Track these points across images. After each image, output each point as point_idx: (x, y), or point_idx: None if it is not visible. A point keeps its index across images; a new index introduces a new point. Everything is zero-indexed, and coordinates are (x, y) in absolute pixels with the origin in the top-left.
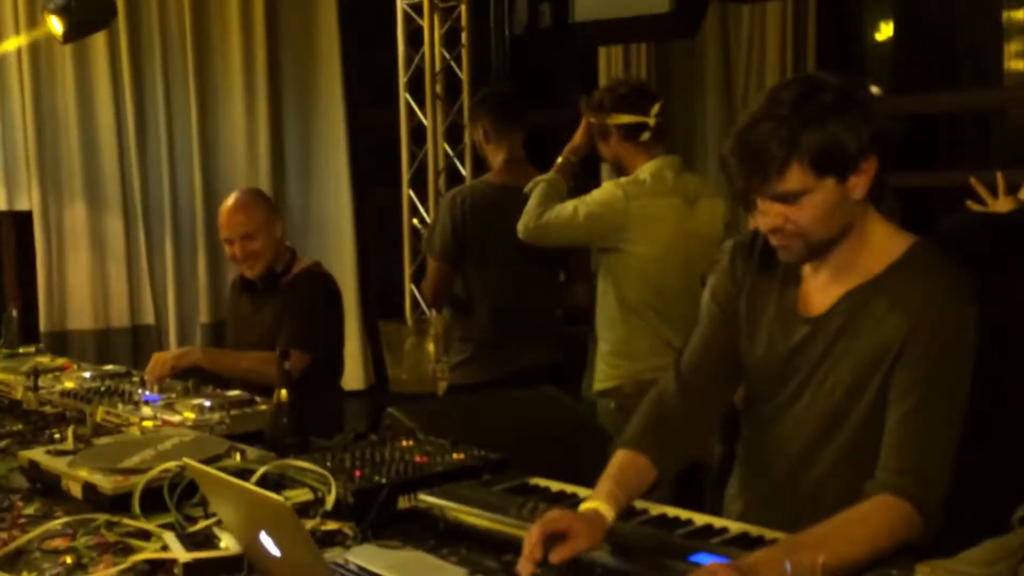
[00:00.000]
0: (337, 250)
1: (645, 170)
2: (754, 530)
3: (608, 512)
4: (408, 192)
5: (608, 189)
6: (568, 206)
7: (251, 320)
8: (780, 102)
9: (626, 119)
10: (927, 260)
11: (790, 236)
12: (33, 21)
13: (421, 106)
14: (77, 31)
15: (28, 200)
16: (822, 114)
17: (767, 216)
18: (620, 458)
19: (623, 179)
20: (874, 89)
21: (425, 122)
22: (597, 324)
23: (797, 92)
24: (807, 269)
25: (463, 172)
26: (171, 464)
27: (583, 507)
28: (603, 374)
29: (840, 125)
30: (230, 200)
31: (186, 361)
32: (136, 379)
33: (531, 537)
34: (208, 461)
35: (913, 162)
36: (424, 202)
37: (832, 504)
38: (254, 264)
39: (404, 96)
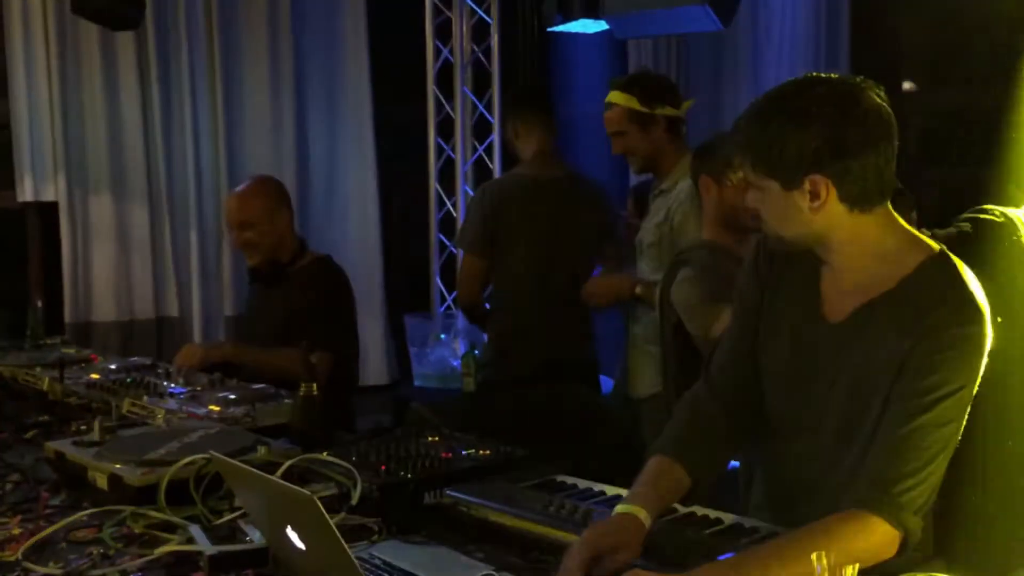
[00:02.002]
0: (363, 244)
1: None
2: (783, 530)
3: (646, 518)
4: (435, 186)
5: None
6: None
7: (260, 312)
8: (765, 97)
9: (670, 111)
10: (939, 276)
11: (764, 222)
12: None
13: (449, 100)
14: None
15: (54, 191)
16: (776, 115)
17: (749, 194)
18: (655, 464)
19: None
20: (907, 85)
21: (453, 116)
22: (644, 328)
23: (777, 87)
24: (825, 271)
25: (491, 166)
26: (197, 456)
27: (619, 509)
28: (656, 380)
29: (781, 131)
30: (237, 188)
31: (217, 354)
32: (161, 371)
33: (572, 559)
34: (233, 454)
35: (951, 158)
36: (451, 196)
37: None
38: (252, 253)
39: (432, 89)
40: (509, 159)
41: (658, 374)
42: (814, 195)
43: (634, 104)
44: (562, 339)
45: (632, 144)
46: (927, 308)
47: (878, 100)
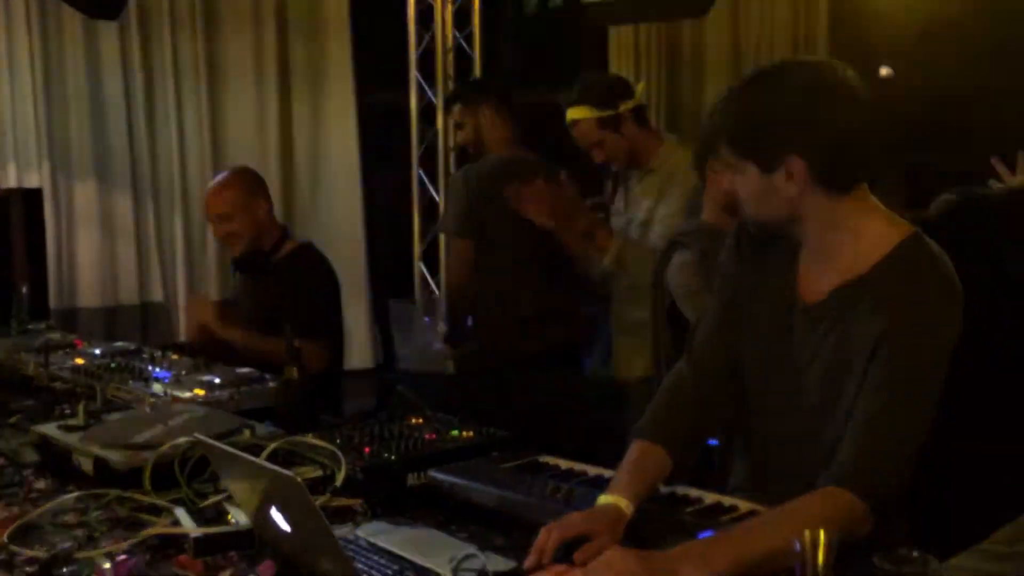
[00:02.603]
0: (346, 228)
1: (679, 147)
2: (764, 510)
3: (627, 507)
4: (418, 171)
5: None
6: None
7: (246, 301)
8: (742, 80)
9: (632, 103)
10: (913, 258)
11: (742, 204)
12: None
13: (431, 85)
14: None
15: (38, 177)
16: (752, 97)
17: (727, 177)
18: (636, 449)
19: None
20: (884, 71)
21: (435, 101)
22: (633, 309)
23: (754, 70)
24: (803, 253)
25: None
26: (182, 440)
27: (601, 501)
28: (644, 363)
29: (757, 113)
30: (212, 180)
31: (226, 335)
32: (146, 356)
33: (548, 538)
34: (218, 437)
35: (930, 143)
36: (434, 181)
37: None
38: (233, 244)
39: (414, 75)
40: None
41: (647, 357)
42: (790, 177)
43: (596, 112)
44: (549, 323)
45: (612, 149)
46: (900, 290)
47: (854, 83)
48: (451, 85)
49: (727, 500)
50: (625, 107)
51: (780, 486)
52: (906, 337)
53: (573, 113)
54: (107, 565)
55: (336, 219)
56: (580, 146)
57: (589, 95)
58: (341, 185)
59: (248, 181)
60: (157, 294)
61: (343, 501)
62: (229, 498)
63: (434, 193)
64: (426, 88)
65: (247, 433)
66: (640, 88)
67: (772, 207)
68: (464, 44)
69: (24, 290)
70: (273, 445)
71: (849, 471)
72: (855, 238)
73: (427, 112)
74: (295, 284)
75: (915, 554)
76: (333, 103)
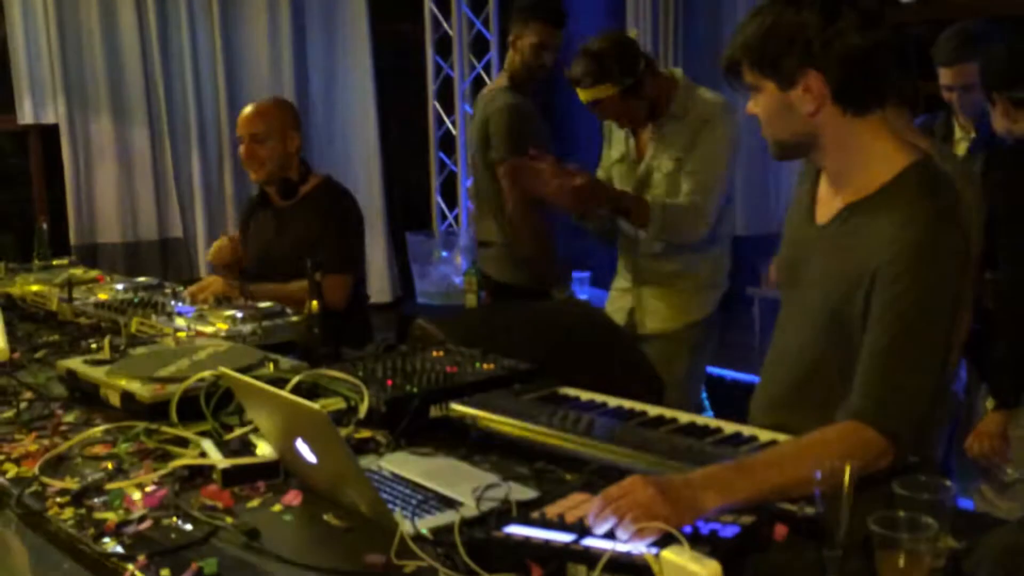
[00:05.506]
0: (363, 162)
1: (694, 87)
2: (783, 437)
3: None
4: (434, 104)
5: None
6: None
7: (274, 240)
8: None
9: (643, 60)
10: (916, 184)
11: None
12: None
13: (447, 17)
14: None
15: (54, 113)
16: (774, 12)
17: (750, 102)
18: None
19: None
20: None
21: (451, 33)
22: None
23: None
24: (822, 175)
25: (489, 83)
26: (207, 373)
27: None
28: (694, 305)
29: (780, 28)
30: (252, 103)
31: (233, 292)
32: (168, 291)
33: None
34: (242, 370)
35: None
36: (450, 114)
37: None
38: (258, 168)
39: (429, 7)
40: None
41: (676, 308)
42: (808, 93)
43: (619, 86)
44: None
45: (636, 112)
46: (900, 215)
47: (874, 5)
48: (466, 17)
49: (747, 430)
50: (642, 68)
51: (797, 407)
52: (903, 265)
53: (595, 93)
54: (137, 496)
55: (353, 152)
56: (602, 119)
57: (608, 72)
58: (357, 118)
59: (287, 111)
60: (176, 230)
61: (366, 432)
62: (255, 430)
63: (450, 126)
64: (441, 20)
65: (271, 366)
66: (634, 34)
67: (789, 126)
68: None
69: (44, 226)
70: (297, 378)
71: (864, 406)
72: (866, 160)
73: (443, 44)
74: (324, 223)
75: (933, 481)
76: (348, 35)
